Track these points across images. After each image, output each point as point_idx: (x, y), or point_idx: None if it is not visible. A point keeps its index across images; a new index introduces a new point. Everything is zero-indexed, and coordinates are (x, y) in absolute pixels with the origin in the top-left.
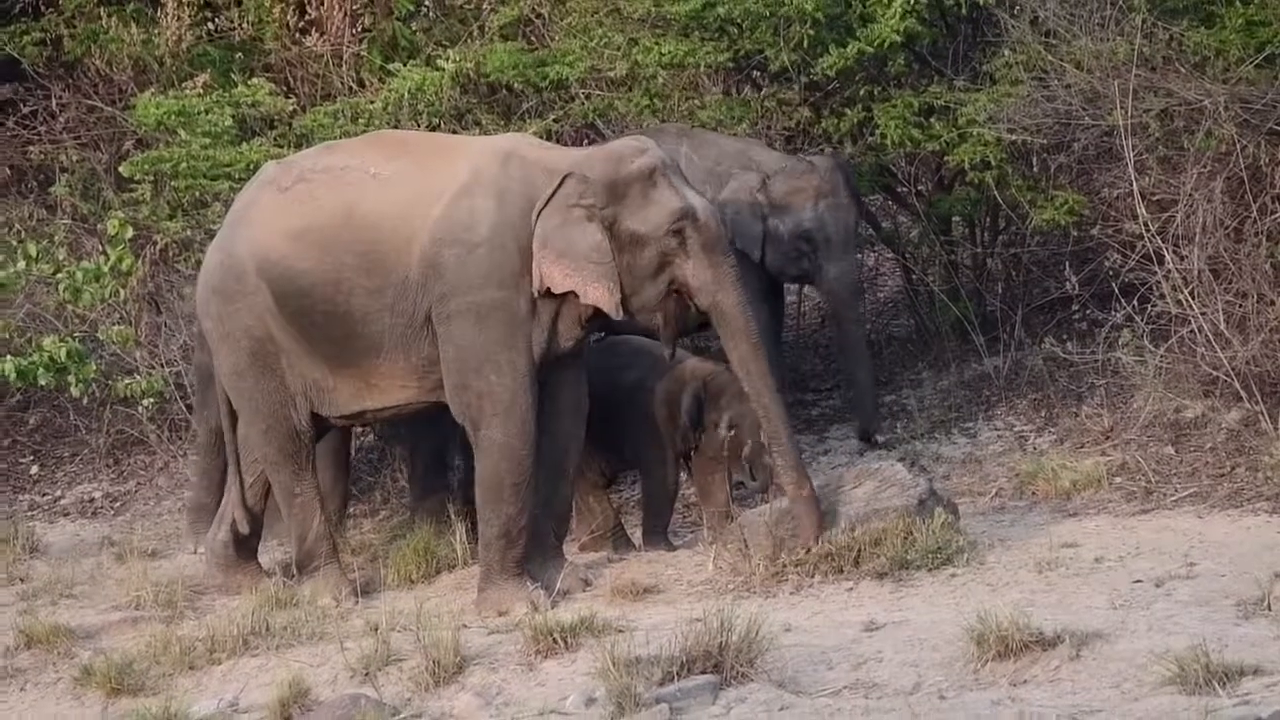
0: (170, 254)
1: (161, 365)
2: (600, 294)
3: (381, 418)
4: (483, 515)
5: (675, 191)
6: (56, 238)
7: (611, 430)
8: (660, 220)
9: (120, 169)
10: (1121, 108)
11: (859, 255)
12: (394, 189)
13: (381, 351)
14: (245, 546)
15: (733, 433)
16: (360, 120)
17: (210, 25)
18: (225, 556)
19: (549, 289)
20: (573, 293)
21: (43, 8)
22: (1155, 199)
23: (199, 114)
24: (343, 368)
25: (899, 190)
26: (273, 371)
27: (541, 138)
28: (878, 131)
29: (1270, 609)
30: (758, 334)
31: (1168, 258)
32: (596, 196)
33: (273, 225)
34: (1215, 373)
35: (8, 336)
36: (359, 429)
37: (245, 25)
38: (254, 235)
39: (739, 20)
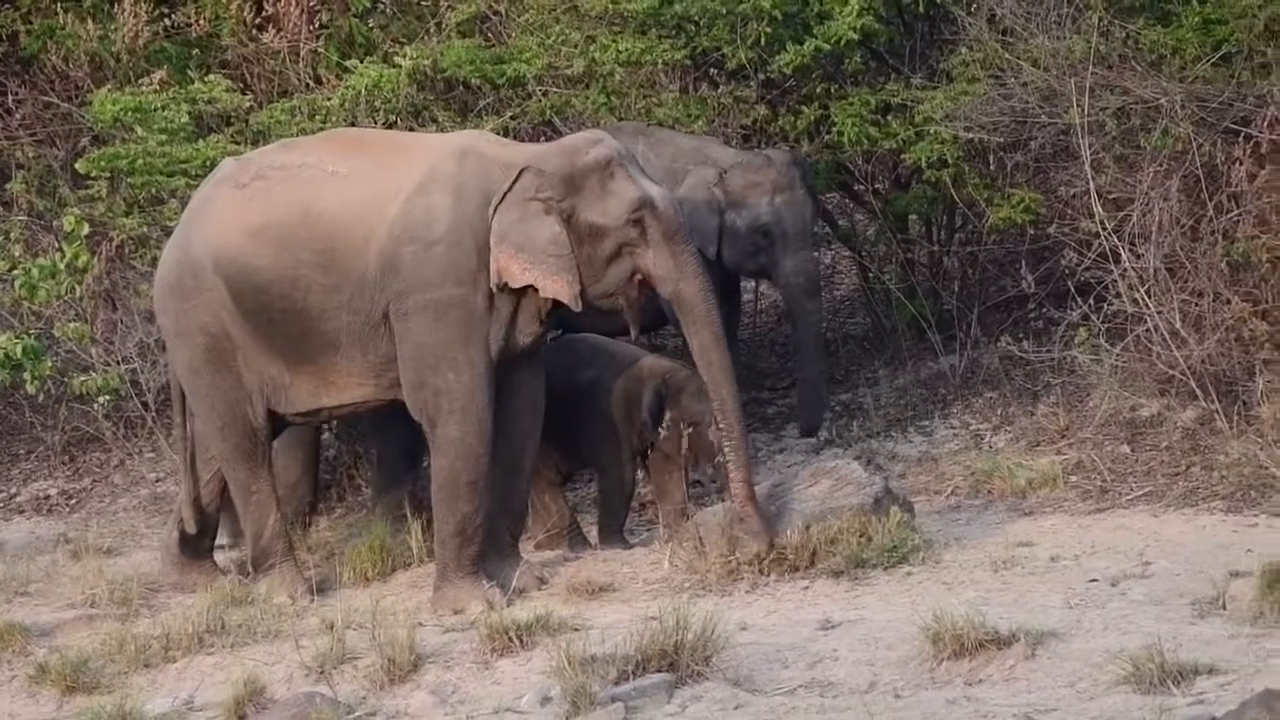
0: (126, 251)
1: (117, 362)
2: (559, 286)
3: (339, 415)
4: (438, 513)
5: (633, 182)
6: (12, 234)
7: (568, 428)
8: (619, 211)
9: (76, 165)
10: (1078, 106)
11: (816, 253)
12: (351, 187)
13: (339, 349)
14: (195, 545)
15: (691, 430)
16: (317, 117)
17: (167, 21)
18: (176, 555)
19: (506, 283)
20: (532, 287)
21: None
22: (1112, 197)
23: (155, 110)
24: (300, 365)
25: (856, 188)
26: (229, 369)
27: (499, 135)
28: (834, 129)
29: (1225, 608)
30: (720, 324)
31: (1124, 256)
32: (553, 189)
33: (230, 222)
34: (1171, 371)
35: None
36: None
37: (202, 21)
38: (210, 232)
39: (696, 18)
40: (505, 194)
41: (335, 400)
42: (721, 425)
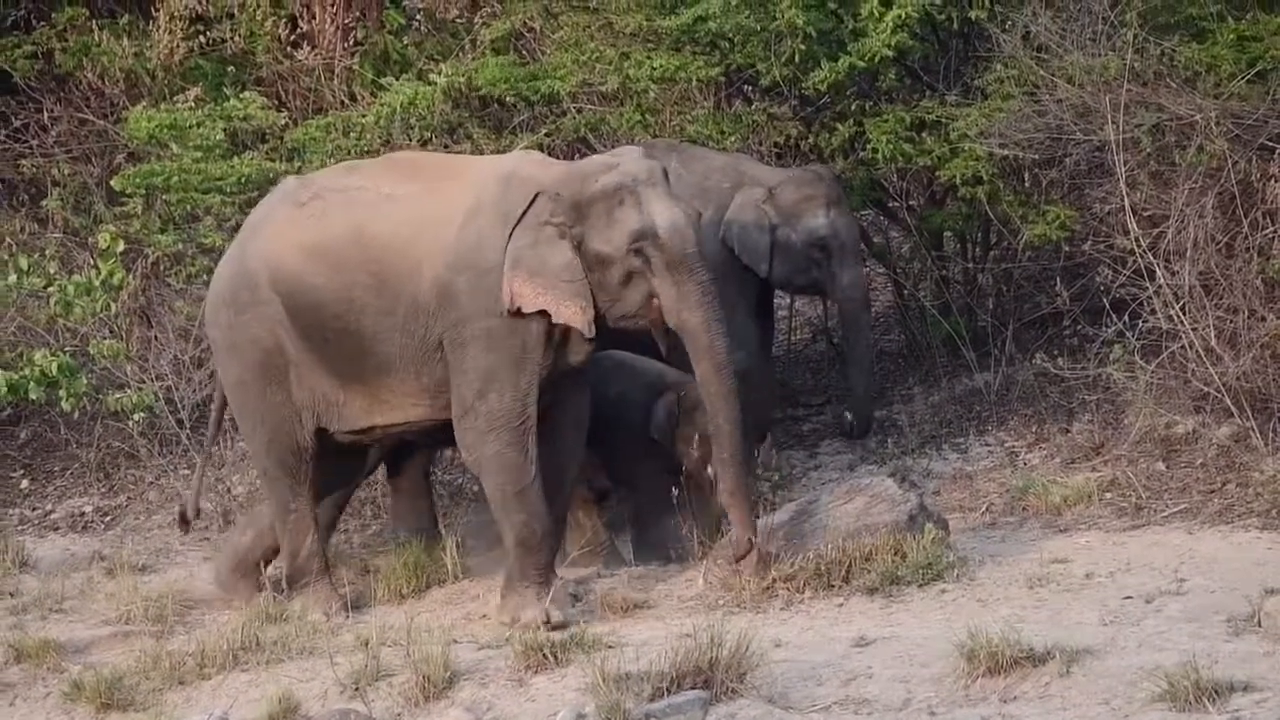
0: (161, 268)
1: (152, 379)
2: (573, 312)
3: (392, 433)
4: (500, 530)
5: (639, 210)
6: (48, 251)
7: (598, 445)
8: (620, 241)
9: (112, 183)
10: (1113, 123)
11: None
12: (403, 211)
13: (392, 370)
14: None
15: (705, 445)
16: (352, 134)
17: (202, 39)
18: (225, 568)
19: (519, 309)
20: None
21: (35, 21)
22: (1146, 214)
23: (191, 128)
24: (353, 383)
25: (890, 205)
26: (280, 384)
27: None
28: (869, 146)
29: (1260, 625)
30: (724, 355)
31: (1159, 273)
32: (566, 215)
33: (287, 239)
34: (1206, 388)
35: None
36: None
37: (237, 39)
38: (268, 248)
39: (730, 35)
40: (520, 218)
41: (388, 419)
42: (718, 457)
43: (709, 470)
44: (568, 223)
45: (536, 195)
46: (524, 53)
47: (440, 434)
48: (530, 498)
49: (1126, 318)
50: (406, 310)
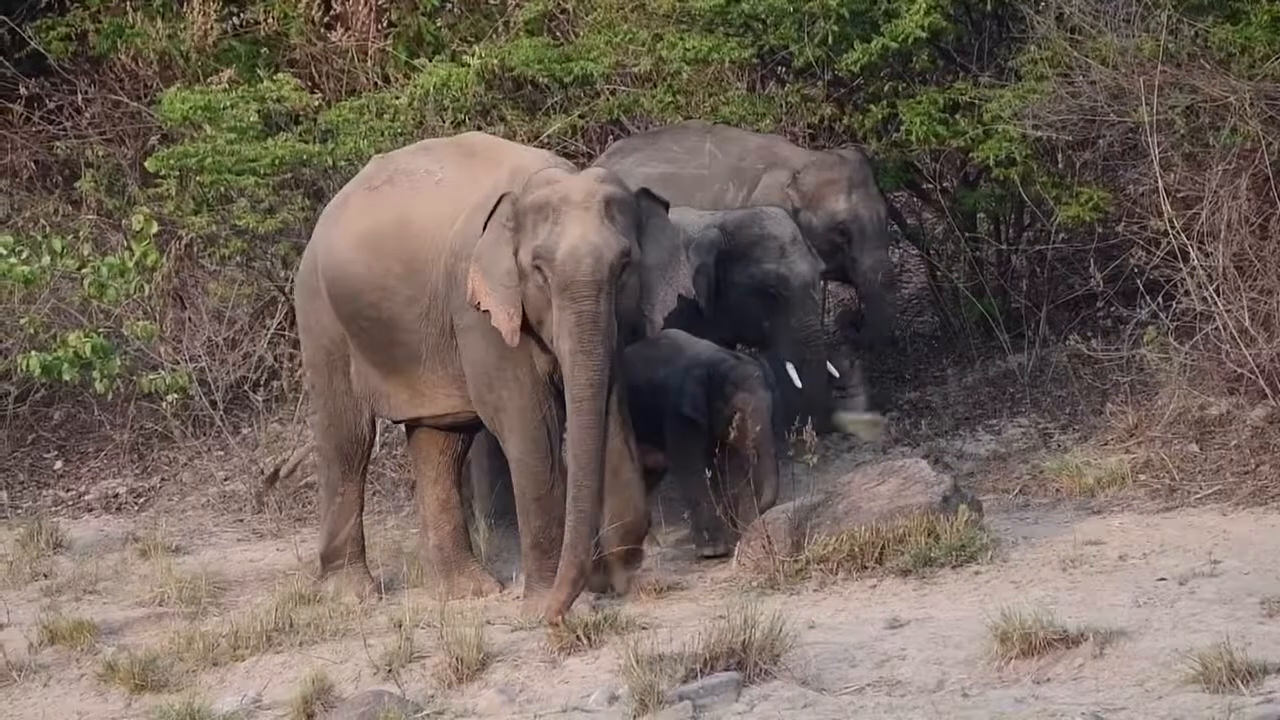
0: (195, 249)
1: (186, 361)
2: (501, 318)
3: (442, 424)
4: (520, 527)
5: (552, 229)
6: (81, 233)
7: (650, 427)
8: (527, 256)
9: (145, 164)
10: (1147, 104)
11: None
12: (440, 197)
13: (422, 360)
14: (459, 542)
15: (738, 418)
16: (385, 116)
17: (236, 20)
18: (441, 560)
19: (478, 304)
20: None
21: (69, 3)
22: (1180, 196)
23: (224, 109)
24: (392, 374)
25: (924, 187)
26: (343, 373)
27: (566, 133)
28: (902, 128)
29: None
30: (586, 390)
31: (1193, 255)
32: (513, 220)
33: (347, 226)
34: (1240, 370)
35: (33, 331)
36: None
37: (270, 20)
38: (329, 234)
39: (763, 16)
40: (489, 217)
41: (430, 410)
42: (573, 483)
43: (748, 445)
44: (514, 229)
45: (502, 197)
46: (557, 34)
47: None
48: (549, 504)
49: (1160, 299)
50: (429, 299)
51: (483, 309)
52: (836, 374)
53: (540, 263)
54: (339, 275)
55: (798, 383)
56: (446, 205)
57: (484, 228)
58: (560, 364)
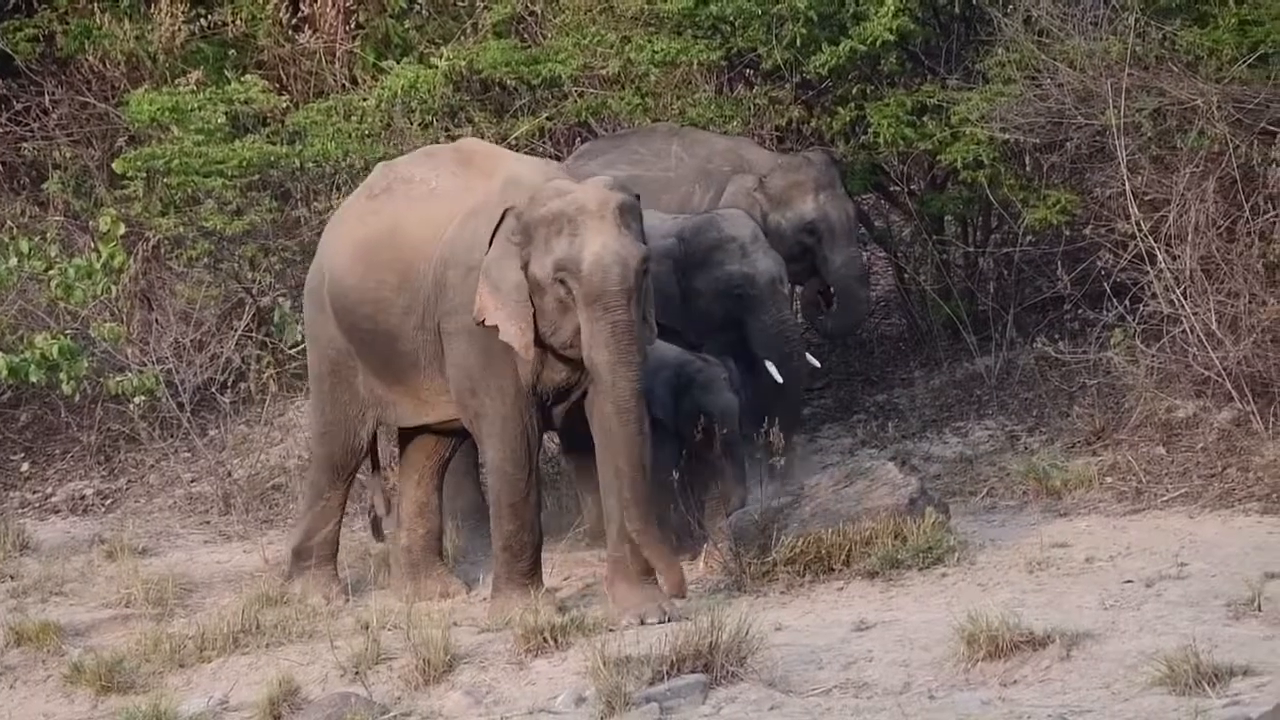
0: (162, 251)
1: (153, 362)
2: (512, 332)
3: (452, 430)
4: (492, 530)
5: (571, 240)
6: (49, 234)
7: None
8: (548, 269)
9: (113, 165)
10: (1114, 107)
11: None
12: (433, 206)
13: (420, 368)
14: (429, 546)
15: (704, 421)
16: (353, 118)
17: (203, 22)
18: (409, 562)
19: (484, 319)
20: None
21: (36, 4)
22: (1148, 198)
23: (192, 111)
24: (395, 383)
25: (891, 189)
26: (347, 384)
27: (534, 136)
28: (870, 130)
29: (1260, 610)
30: (628, 398)
31: (1160, 257)
32: (521, 234)
33: (344, 236)
34: (1207, 373)
35: None
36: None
37: (238, 22)
38: (330, 244)
39: (731, 18)
40: (494, 232)
41: (435, 416)
42: (620, 497)
43: (714, 448)
44: (521, 243)
45: (507, 211)
46: (525, 36)
47: None
48: (523, 510)
49: (1127, 302)
50: (422, 307)
51: (489, 324)
52: (818, 365)
53: (564, 275)
54: (338, 287)
55: (778, 379)
56: (438, 214)
57: (489, 242)
58: (596, 376)
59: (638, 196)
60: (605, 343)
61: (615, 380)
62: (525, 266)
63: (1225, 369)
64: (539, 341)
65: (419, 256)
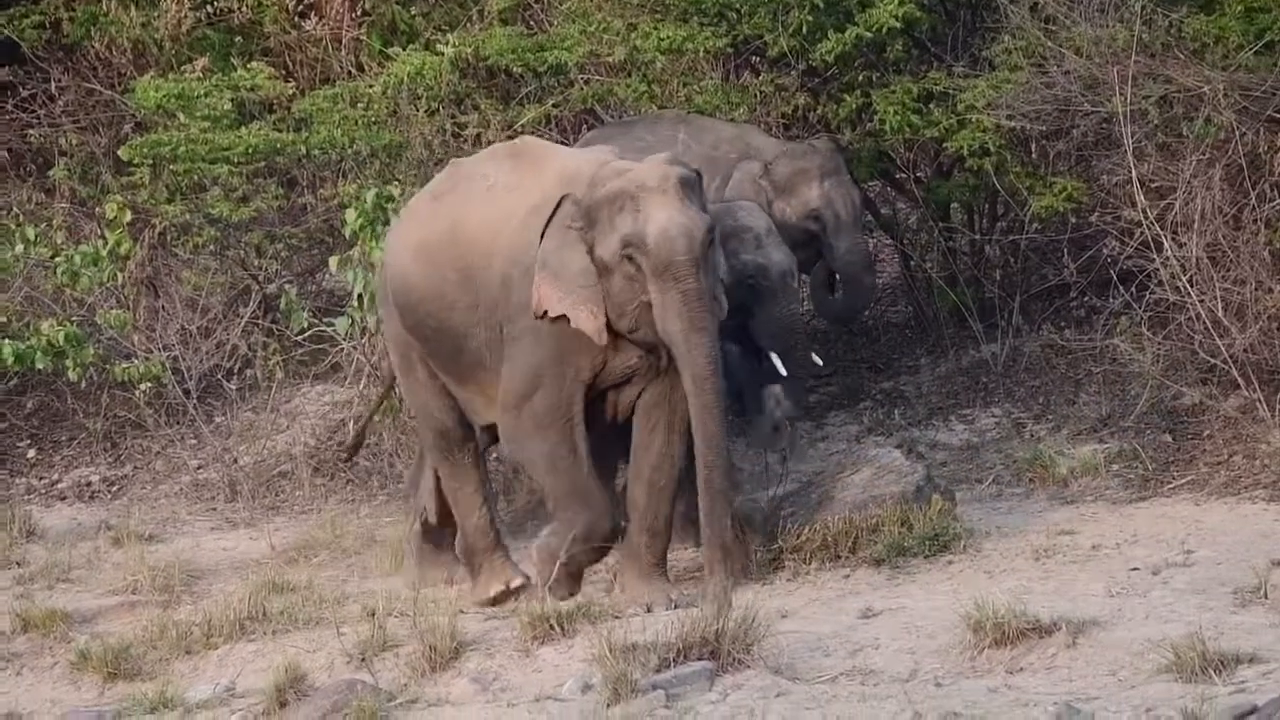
0: (168, 238)
1: (159, 349)
2: (585, 318)
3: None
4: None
5: (635, 216)
6: (55, 221)
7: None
8: (614, 247)
9: (119, 152)
10: (1121, 94)
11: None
12: (491, 204)
13: (486, 366)
14: (437, 537)
15: None
16: (359, 105)
17: (209, 9)
18: (419, 549)
19: (546, 312)
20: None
21: None
22: (1154, 186)
23: (198, 97)
24: (463, 381)
25: (897, 177)
26: (425, 366)
27: (540, 123)
28: (876, 118)
29: (1267, 597)
30: (706, 367)
31: (1166, 245)
32: (582, 219)
33: (409, 235)
34: (1213, 360)
35: (5, 320)
36: None
37: (244, 9)
38: (394, 244)
39: (737, 5)
40: (549, 221)
41: None
42: (703, 463)
43: None
44: (584, 227)
45: (563, 199)
46: (531, 23)
47: None
48: (588, 496)
49: (1133, 289)
50: (486, 304)
51: (553, 315)
52: (820, 363)
53: (631, 250)
54: (401, 286)
55: (783, 371)
56: (495, 211)
57: (541, 234)
58: (672, 347)
59: (698, 172)
60: (678, 312)
61: (690, 348)
62: (590, 250)
63: (1232, 356)
64: (608, 327)
65: (476, 254)
